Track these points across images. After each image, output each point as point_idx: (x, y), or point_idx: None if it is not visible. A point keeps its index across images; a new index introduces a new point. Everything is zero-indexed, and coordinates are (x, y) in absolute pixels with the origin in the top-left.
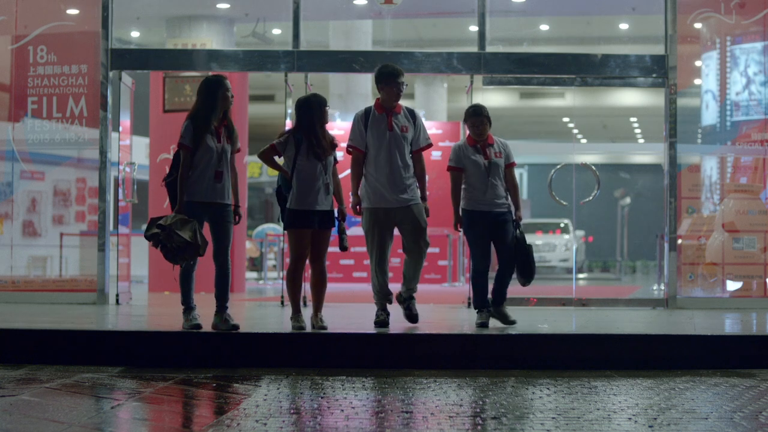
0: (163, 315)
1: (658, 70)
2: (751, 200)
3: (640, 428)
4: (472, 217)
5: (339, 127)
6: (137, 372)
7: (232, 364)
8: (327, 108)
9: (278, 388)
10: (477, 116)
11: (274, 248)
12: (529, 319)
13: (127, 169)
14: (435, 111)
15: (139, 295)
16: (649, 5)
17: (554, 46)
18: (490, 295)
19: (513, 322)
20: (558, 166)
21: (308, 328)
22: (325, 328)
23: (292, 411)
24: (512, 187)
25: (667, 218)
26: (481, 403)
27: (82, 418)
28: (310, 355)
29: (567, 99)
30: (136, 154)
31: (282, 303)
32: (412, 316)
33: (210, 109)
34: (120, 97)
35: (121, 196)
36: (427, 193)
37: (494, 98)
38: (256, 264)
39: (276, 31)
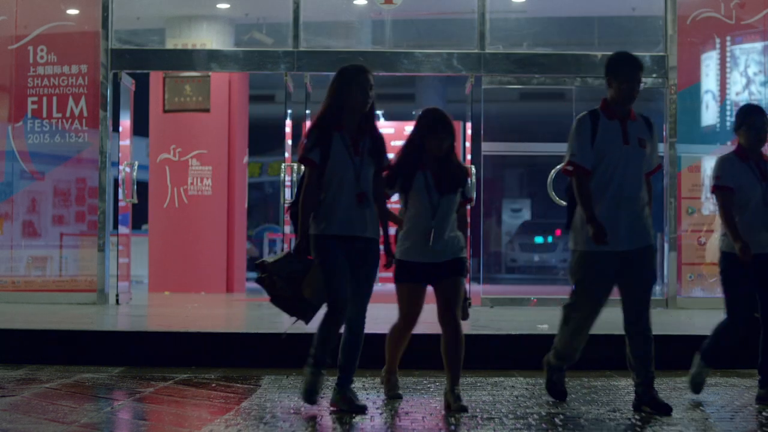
0: (163, 315)
1: (658, 70)
2: None
3: (641, 428)
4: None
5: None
6: (137, 372)
7: (232, 364)
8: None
9: (278, 388)
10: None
11: (274, 248)
12: (529, 319)
13: (127, 169)
14: None
15: (139, 295)
16: (649, 5)
17: (554, 46)
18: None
19: None
20: (558, 167)
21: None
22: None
23: (292, 411)
24: None
25: (667, 218)
26: (480, 403)
27: (82, 418)
28: None
29: (567, 99)
30: (136, 154)
31: None
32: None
33: (340, 110)
34: (120, 97)
35: (121, 196)
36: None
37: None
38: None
39: (276, 32)
